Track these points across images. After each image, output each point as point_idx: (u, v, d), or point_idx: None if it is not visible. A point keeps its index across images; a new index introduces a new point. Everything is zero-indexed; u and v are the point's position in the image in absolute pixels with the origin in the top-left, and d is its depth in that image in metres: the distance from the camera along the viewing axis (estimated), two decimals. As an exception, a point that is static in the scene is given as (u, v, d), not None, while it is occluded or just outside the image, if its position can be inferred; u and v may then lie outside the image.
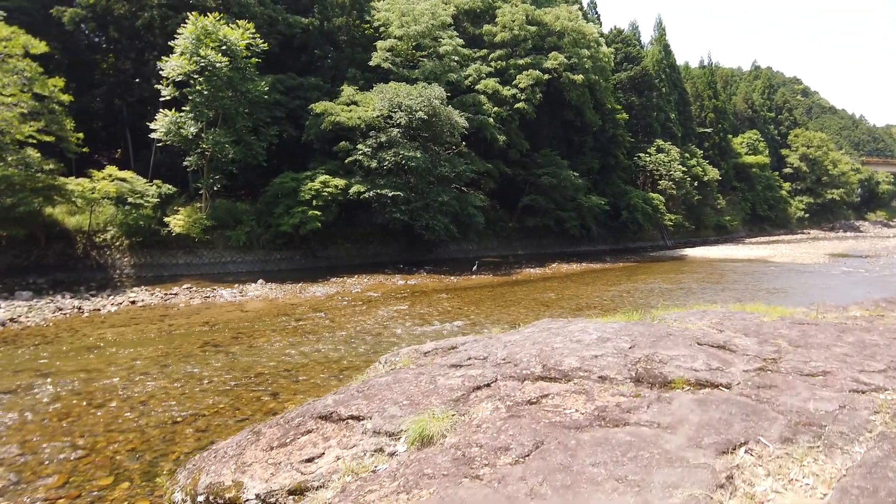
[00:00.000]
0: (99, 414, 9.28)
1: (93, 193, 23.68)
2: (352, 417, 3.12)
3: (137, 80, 35.30)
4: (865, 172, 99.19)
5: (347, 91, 30.71)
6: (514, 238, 41.63)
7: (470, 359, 3.90)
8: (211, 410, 9.45)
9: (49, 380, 11.04)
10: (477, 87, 36.18)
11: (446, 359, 4.07)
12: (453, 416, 2.98)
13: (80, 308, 18.09)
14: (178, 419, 9.08)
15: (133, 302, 19.41)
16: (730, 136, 74.63)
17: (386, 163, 28.08)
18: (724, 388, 3.17)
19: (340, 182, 27.77)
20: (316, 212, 26.75)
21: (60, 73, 37.24)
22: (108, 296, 20.22)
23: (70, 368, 11.82)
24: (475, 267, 30.60)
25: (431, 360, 4.14)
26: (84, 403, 9.76)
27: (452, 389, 3.32)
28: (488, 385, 3.36)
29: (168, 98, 25.84)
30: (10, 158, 20.64)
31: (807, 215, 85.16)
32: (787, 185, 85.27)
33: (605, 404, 3.00)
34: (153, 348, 13.44)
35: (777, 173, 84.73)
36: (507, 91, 36.48)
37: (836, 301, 19.11)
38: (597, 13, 59.65)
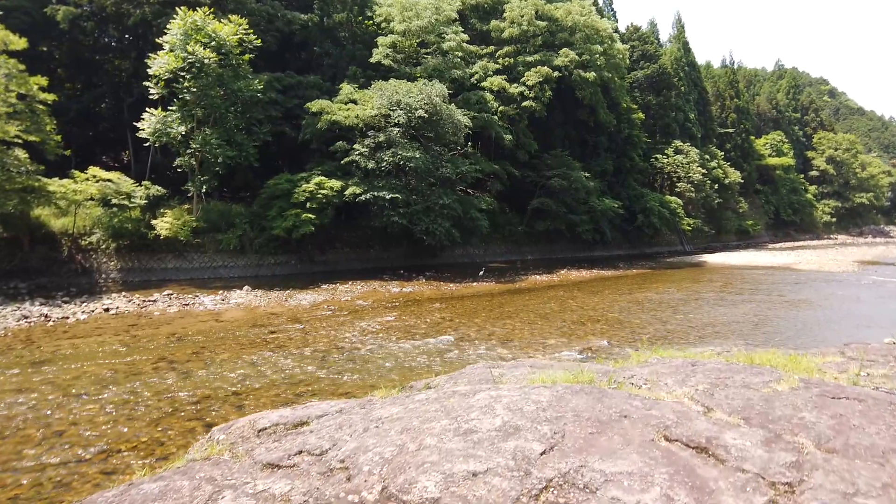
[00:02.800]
0: (1, 448, 8.04)
1: (75, 195, 22.73)
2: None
3: (137, 79, 34.58)
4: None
5: (346, 89, 29.45)
6: (523, 242, 40.00)
7: (300, 453, 2.52)
8: (131, 445, 8.16)
9: (-30, 402, 9.88)
10: (483, 84, 34.65)
11: (273, 448, 2.66)
12: None
13: (46, 316, 17.04)
14: (88, 456, 7.81)
15: (106, 309, 18.32)
16: (753, 137, 71.86)
17: (384, 164, 26.75)
18: (689, 567, 1.68)
19: (336, 184, 26.50)
20: (310, 215, 25.51)
21: (64, 74, 37.03)
22: (82, 303, 19.17)
23: (2, 388, 10.65)
24: (482, 272, 29.10)
25: (251, 450, 2.73)
26: (-8, 433, 8.55)
27: (222, 530, 1.88)
28: (283, 523, 1.92)
29: (157, 97, 24.87)
30: (-15, 159, 19.74)
31: (833, 220, 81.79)
32: (812, 189, 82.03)
33: None
34: (103, 364, 12.23)
35: (802, 176, 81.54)
36: (514, 89, 34.88)
37: (868, 318, 17.21)
38: (612, 10, 57.73)
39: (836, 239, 75.09)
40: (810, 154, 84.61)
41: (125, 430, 8.69)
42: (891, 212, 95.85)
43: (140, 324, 16.59)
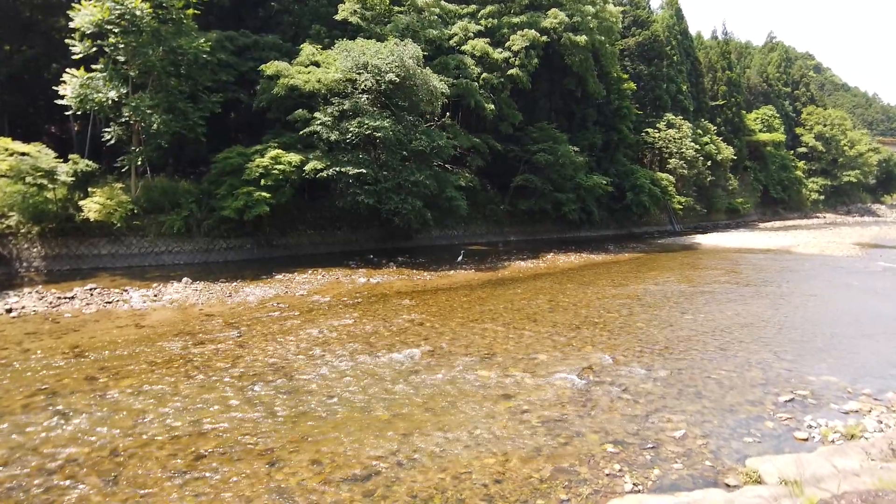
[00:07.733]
0: None
1: (-17, 170, 19.30)
2: None
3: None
4: (885, 153, 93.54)
5: (307, 50, 25.94)
6: (505, 223, 37.19)
7: None
8: None
9: None
10: (463, 47, 31.25)
11: None
12: None
13: (-76, 321, 13.90)
14: None
15: (9, 310, 15.18)
16: (743, 111, 69.28)
17: (349, 135, 23.54)
18: None
19: (295, 158, 23.30)
20: (265, 193, 22.36)
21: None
22: (-20, 301, 15.96)
23: None
24: (460, 258, 26.29)
25: None
26: None
27: None
28: None
29: (81, 55, 21.27)
30: None
31: (821, 198, 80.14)
32: (802, 165, 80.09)
33: None
34: (-45, 399, 9.24)
35: (791, 152, 79.50)
36: (498, 54, 31.59)
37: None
38: (603, -28, 54.01)
39: (824, 218, 73.57)
40: (799, 130, 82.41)
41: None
42: (876, 190, 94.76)
43: (41, 331, 13.51)
